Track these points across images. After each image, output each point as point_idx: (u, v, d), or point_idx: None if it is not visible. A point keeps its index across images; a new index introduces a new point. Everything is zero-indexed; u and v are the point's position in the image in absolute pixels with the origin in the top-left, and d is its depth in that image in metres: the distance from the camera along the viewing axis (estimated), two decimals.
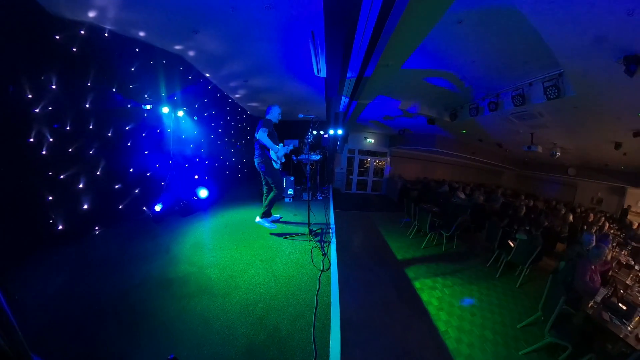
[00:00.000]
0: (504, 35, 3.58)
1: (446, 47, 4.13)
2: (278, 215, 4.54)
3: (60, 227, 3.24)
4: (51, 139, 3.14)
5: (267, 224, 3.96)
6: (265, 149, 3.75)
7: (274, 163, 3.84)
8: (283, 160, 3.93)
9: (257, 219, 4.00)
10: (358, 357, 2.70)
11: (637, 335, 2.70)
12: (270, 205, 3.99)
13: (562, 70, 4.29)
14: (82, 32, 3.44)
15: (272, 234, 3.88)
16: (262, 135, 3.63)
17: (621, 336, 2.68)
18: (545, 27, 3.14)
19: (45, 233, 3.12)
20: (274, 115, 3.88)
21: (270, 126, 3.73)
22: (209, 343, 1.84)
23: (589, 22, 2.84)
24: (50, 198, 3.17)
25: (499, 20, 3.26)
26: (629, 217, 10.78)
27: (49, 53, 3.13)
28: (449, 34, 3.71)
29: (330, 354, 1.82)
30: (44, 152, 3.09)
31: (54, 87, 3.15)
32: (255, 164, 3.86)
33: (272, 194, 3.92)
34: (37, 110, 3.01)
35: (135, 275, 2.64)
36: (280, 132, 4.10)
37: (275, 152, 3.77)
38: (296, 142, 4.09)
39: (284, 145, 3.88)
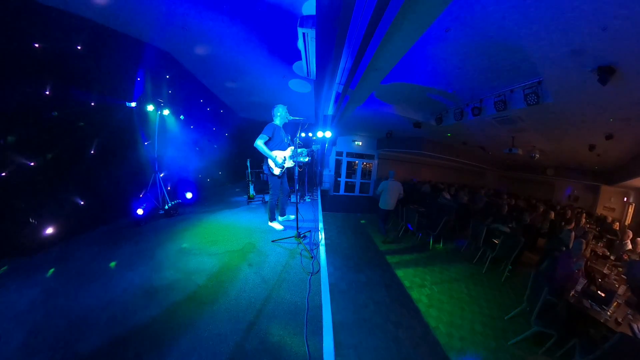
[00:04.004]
0: (489, 45, 3.74)
1: (434, 53, 4.26)
2: (285, 217, 4.58)
3: (34, 233, 3.04)
4: (24, 136, 2.95)
5: (276, 227, 4.14)
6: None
7: (271, 169, 3.83)
8: (284, 166, 3.89)
9: (269, 223, 4.23)
10: (352, 359, 2.69)
11: (616, 319, 2.88)
12: (270, 211, 4.15)
13: (541, 79, 4.53)
14: (64, 21, 3.28)
15: (260, 237, 3.81)
16: (256, 143, 3.67)
17: (602, 321, 2.88)
18: (526, 39, 3.33)
19: (18, 239, 2.91)
20: (281, 115, 3.87)
21: (269, 132, 3.71)
22: (198, 352, 1.77)
23: (567, 36, 3.04)
24: (24, 202, 2.97)
25: (484, 31, 3.40)
26: (602, 212, 11.41)
27: (27, 42, 2.96)
28: (438, 41, 3.83)
29: (324, 357, 1.80)
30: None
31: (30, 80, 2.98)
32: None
33: (269, 200, 4.10)
34: (12, 104, 2.82)
35: (117, 283, 2.51)
36: None
37: (273, 160, 3.77)
38: (305, 151, 4.08)
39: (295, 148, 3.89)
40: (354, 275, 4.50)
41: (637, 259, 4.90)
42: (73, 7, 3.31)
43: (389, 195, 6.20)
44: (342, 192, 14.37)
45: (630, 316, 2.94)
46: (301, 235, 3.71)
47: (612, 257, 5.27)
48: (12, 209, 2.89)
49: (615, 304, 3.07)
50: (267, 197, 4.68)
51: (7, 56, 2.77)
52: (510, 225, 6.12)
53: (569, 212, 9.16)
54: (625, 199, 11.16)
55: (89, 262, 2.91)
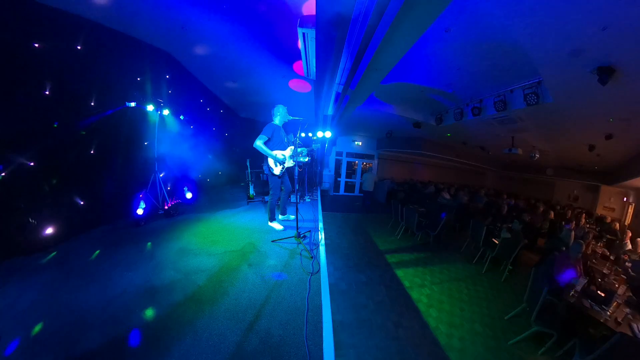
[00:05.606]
0: (488, 45, 3.75)
1: (433, 54, 4.26)
2: (286, 216, 4.57)
3: (34, 233, 3.04)
4: (24, 136, 2.94)
5: (276, 227, 4.12)
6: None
7: (271, 169, 3.83)
8: (284, 165, 3.89)
9: (269, 223, 4.21)
10: (352, 359, 2.69)
11: (616, 318, 2.88)
12: (271, 211, 4.14)
13: (541, 79, 4.54)
14: (64, 21, 3.28)
15: (260, 237, 3.81)
16: (256, 144, 3.67)
17: (602, 321, 2.88)
18: (526, 39, 3.33)
19: (18, 240, 2.91)
20: (281, 115, 3.88)
21: (269, 132, 3.72)
22: (198, 352, 1.77)
23: (567, 36, 3.04)
24: (24, 202, 2.97)
25: (484, 31, 3.41)
26: (602, 212, 11.41)
27: (27, 43, 2.95)
28: (437, 41, 3.83)
29: (324, 357, 1.80)
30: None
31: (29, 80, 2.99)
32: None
33: (269, 200, 4.08)
34: (12, 104, 2.82)
35: (117, 283, 2.51)
36: None
37: (274, 158, 3.77)
38: (305, 150, 4.08)
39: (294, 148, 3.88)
40: (354, 275, 4.50)
41: (637, 258, 4.90)
42: (73, 7, 3.31)
43: (368, 182, 9.84)
44: (342, 192, 14.38)
45: (630, 316, 2.94)
46: (301, 236, 3.71)
47: (611, 257, 5.28)
48: (12, 209, 2.88)
49: (615, 303, 3.07)
50: (267, 197, 4.66)
51: (7, 56, 2.77)
52: (509, 226, 6.12)
53: (569, 212, 9.17)
54: (625, 199, 11.15)
55: (89, 262, 2.91)
